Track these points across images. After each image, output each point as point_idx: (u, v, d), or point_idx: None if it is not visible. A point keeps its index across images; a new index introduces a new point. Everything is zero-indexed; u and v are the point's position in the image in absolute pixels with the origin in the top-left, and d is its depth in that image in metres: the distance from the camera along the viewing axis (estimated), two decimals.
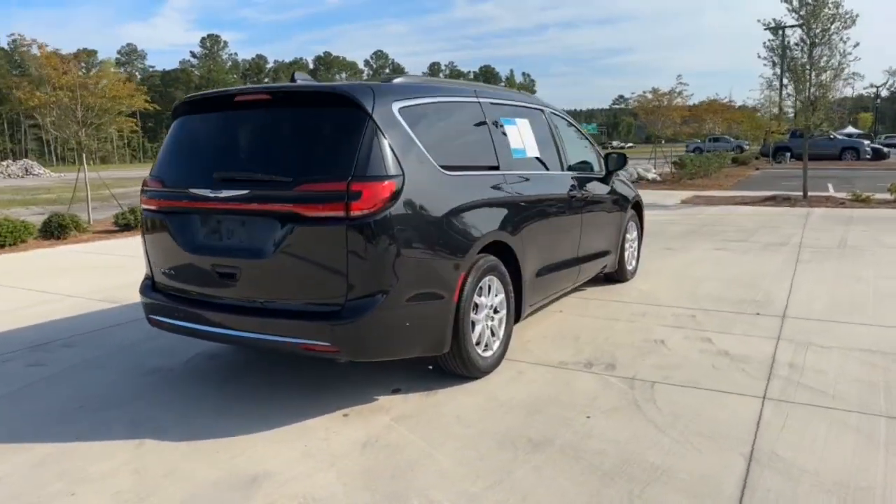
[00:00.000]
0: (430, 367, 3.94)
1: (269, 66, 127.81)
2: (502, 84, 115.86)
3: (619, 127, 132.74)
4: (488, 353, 3.92)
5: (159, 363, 4.26)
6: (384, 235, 3.16)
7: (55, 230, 10.49)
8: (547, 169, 4.80)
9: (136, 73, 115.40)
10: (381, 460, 2.89)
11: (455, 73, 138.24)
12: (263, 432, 3.18)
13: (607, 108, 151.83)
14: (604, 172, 5.78)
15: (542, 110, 5.08)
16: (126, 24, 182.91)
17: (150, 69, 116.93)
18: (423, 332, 3.43)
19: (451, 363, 3.72)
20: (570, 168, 5.20)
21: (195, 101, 3.81)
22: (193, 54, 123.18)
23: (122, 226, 11.43)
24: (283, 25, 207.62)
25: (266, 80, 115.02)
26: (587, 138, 5.89)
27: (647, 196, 9.68)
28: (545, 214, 4.56)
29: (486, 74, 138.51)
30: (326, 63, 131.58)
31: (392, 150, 3.26)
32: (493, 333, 3.98)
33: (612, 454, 2.89)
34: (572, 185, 5.00)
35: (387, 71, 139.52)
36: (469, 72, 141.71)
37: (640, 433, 3.10)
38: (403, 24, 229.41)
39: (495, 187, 4.01)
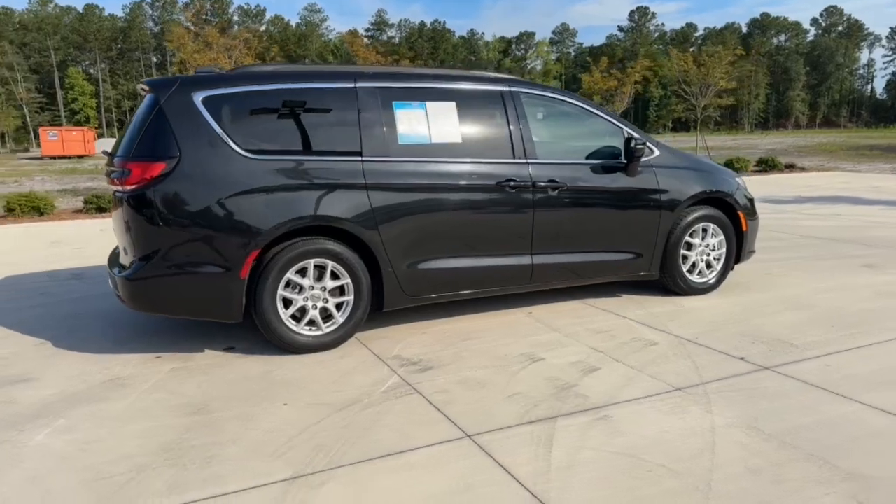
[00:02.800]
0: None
1: (698, 34, 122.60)
2: None
3: None
4: (316, 332, 4.07)
5: None
6: (147, 209, 3.71)
7: None
8: (472, 156, 4.42)
9: (570, 52, 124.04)
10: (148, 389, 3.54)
11: None
12: (108, 354, 4.10)
13: None
14: (624, 162, 4.87)
15: (499, 93, 4.61)
16: (575, 5, 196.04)
17: (580, 46, 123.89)
18: (202, 298, 3.85)
19: (263, 332, 4.02)
20: (545, 156, 4.63)
21: None
22: (621, 28, 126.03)
23: None
24: None
25: (692, 49, 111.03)
26: (613, 122, 4.99)
27: None
28: (441, 204, 4.29)
29: None
30: (763, 26, 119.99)
31: (173, 134, 3.74)
32: (327, 316, 4.09)
33: None
34: (516, 176, 4.47)
35: (839, 29, 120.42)
36: None
37: None
38: None
39: (342, 172, 4.03)
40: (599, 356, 3.95)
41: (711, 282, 5.35)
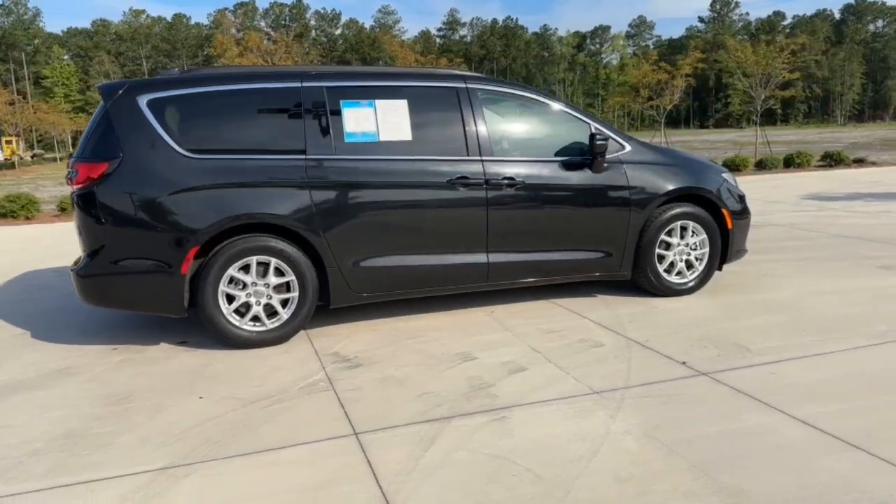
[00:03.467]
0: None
1: (786, 22, 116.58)
2: None
3: None
4: (260, 328, 4.16)
5: None
6: (92, 208, 3.90)
7: None
8: (424, 154, 4.40)
9: (648, 45, 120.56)
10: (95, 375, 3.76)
11: None
12: (73, 345, 4.34)
13: None
14: (589, 158, 4.72)
15: (454, 90, 4.56)
16: None
17: (658, 39, 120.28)
18: (145, 293, 4.01)
19: (206, 327, 4.14)
20: (502, 153, 4.57)
21: None
22: (702, 19, 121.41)
23: None
24: None
25: (779, 37, 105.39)
26: (579, 117, 4.84)
27: None
28: (388, 202, 4.30)
29: None
30: (858, 11, 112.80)
31: (116, 136, 3.91)
32: (272, 312, 4.18)
33: None
34: (469, 173, 4.42)
35: None
36: None
37: None
38: None
39: (284, 171, 4.11)
40: (534, 356, 3.86)
41: (692, 283, 5.11)
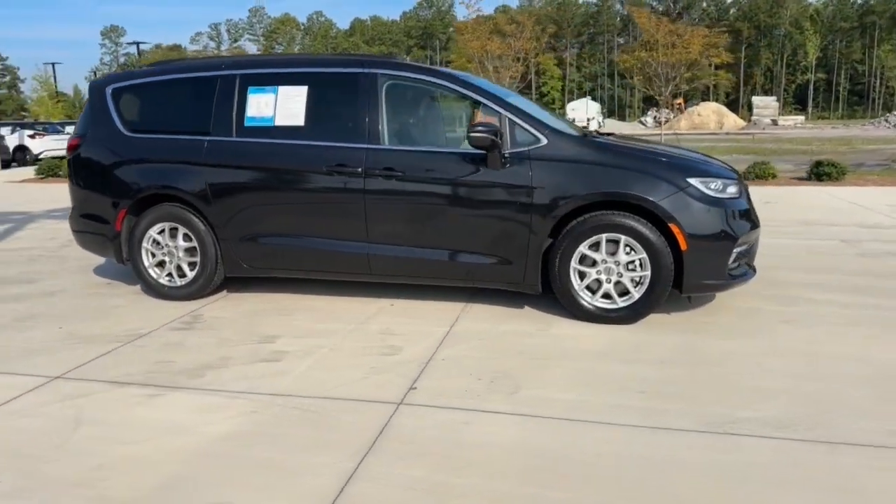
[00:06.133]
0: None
1: None
2: None
3: None
4: (173, 283, 4.89)
5: None
6: (70, 172, 5.07)
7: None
8: (313, 139, 4.49)
9: None
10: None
11: None
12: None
13: None
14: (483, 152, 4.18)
15: (354, 75, 4.47)
16: None
17: None
18: (101, 243, 5.04)
19: (135, 276, 5.02)
20: (392, 142, 4.41)
21: None
22: None
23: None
24: None
25: None
26: (493, 106, 4.25)
27: None
28: (272, 183, 4.55)
29: None
30: None
31: (90, 118, 5.00)
32: (181, 272, 4.87)
33: None
34: (348, 161, 4.36)
35: None
36: None
37: None
38: None
39: (187, 150, 4.70)
40: (316, 348, 3.78)
41: (622, 311, 4.13)
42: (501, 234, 4.21)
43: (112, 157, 4.89)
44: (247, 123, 4.63)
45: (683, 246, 3.96)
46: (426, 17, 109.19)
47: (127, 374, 3.49)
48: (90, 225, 5.05)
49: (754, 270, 4.45)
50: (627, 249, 4.07)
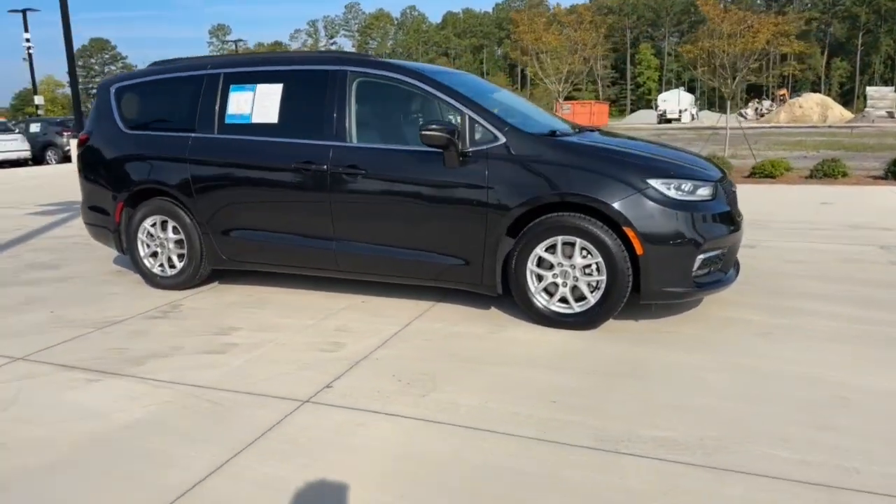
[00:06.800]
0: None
1: None
2: None
3: None
4: (167, 272, 5.12)
5: None
6: (79, 166, 5.41)
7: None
8: (285, 136, 4.57)
9: None
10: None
11: None
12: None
13: None
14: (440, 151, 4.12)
15: (325, 73, 4.50)
16: None
17: None
18: (105, 235, 5.35)
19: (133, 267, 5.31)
20: (359, 140, 4.43)
21: None
22: None
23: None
24: None
25: None
26: (455, 104, 4.17)
27: None
28: (246, 179, 4.68)
29: None
30: None
31: (96, 115, 5.31)
32: (171, 263, 5.11)
33: None
34: (315, 158, 4.41)
35: None
36: None
37: None
38: None
39: (174, 146, 4.90)
40: (262, 342, 3.88)
41: (579, 317, 3.97)
42: (459, 234, 4.14)
43: (112, 153, 5.18)
44: (227, 121, 4.78)
45: (639, 250, 3.76)
46: (519, 7, 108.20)
47: (79, 360, 3.70)
48: (96, 217, 5.37)
49: (735, 274, 4.17)
50: (584, 253, 3.90)
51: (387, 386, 3.26)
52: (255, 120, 4.69)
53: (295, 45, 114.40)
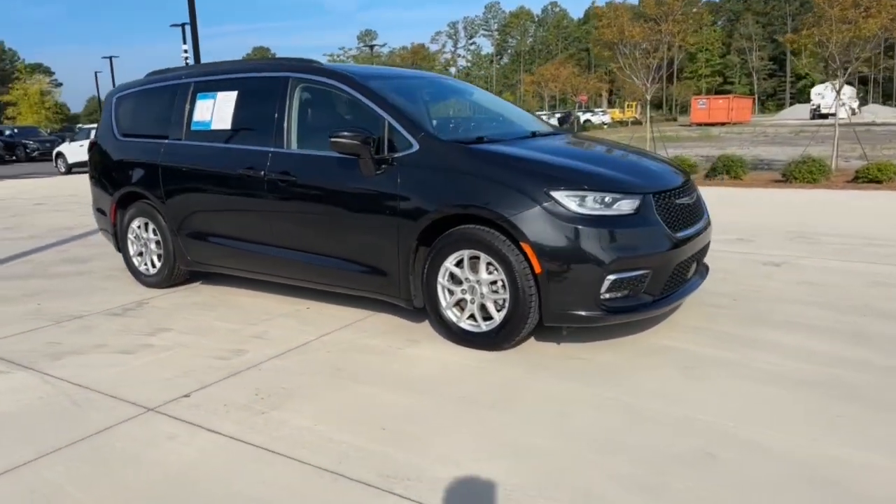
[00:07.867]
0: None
1: None
2: None
3: None
4: (150, 271, 5.43)
5: None
6: (89, 170, 5.86)
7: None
8: (236, 142, 4.66)
9: None
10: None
11: None
12: None
13: None
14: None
15: (275, 80, 4.53)
16: None
17: None
18: (106, 234, 5.76)
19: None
20: (296, 146, 4.43)
21: None
22: None
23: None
24: None
25: None
26: (377, 110, 4.01)
27: None
28: (205, 186, 4.82)
29: None
30: None
31: (102, 123, 5.73)
32: (153, 262, 5.40)
33: None
34: (255, 165, 4.46)
35: None
36: None
37: None
38: None
39: (151, 152, 5.17)
40: (165, 344, 3.99)
41: (488, 336, 3.69)
42: (376, 244, 4.01)
43: (109, 158, 5.56)
44: (193, 127, 4.96)
45: (537, 269, 3.42)
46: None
47: (11, 352, 3.99)
48: (100, 218, 5.81)
49: (667, 298, 3.69)
50: (490, 269, 3.62)
51: (239, 399, 3.22)
52: (214, 126, 4.83)
53: (435, 48, 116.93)
